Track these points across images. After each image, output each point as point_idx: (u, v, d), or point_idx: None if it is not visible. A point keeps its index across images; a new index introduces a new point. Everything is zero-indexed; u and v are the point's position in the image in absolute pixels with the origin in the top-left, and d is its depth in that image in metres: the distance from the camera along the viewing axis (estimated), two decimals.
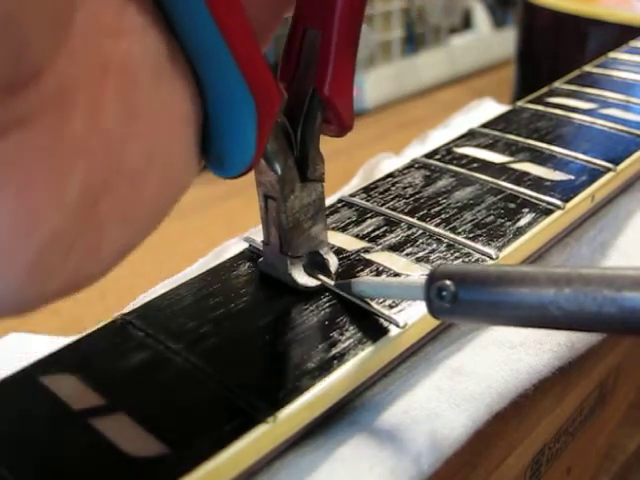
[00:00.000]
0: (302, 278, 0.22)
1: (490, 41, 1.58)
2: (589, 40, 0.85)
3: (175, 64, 0.15)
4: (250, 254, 0.25)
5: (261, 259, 0.23)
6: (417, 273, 0.24)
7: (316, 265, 0.23)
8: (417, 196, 0.28)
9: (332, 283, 0.22)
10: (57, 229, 0.13)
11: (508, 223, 0.27)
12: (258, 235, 0.25)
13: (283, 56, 0.21)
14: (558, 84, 0.42)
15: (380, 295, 0.22)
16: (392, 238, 0.26)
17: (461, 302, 0.17)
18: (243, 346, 0.20)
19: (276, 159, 0.21)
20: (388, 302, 0.22)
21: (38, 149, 0.12)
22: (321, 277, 0.22)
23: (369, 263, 0.24)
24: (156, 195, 0.15)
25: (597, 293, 0.15)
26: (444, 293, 0.17)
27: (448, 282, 0.17)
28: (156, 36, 0.14)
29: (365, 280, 0.22)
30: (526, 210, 0.27)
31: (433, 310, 0.18)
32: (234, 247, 0.28)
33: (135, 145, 0.14)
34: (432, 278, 0.18)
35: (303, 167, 0.21)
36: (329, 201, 0.27)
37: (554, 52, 0.91)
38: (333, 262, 0.23)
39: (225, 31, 0.14)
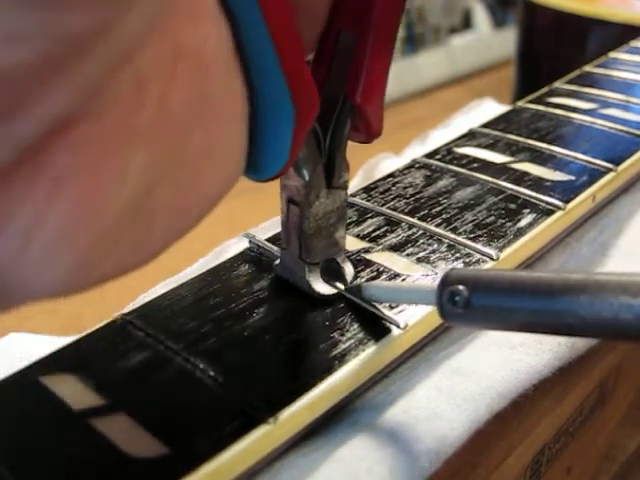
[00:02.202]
0: (319, 285, 0.22)
1: (490, 41, 1.57)
2: (589, 40, 0.85)
3: (237, 61, 0.15)
4: (250, 253, 0.25)
5: (277, 262, 0.23)
6: (418, 273, 0.24)
7: (332, 272, 0.22)
8: (417, 196, 0.28)
9: (342, 287, 0.22)
10: (115, 215, 0.13)
11: (509, 223, 0.27)
12: (258, 235, 0.25)
13: (314, 59, 0.20)
14: (558, 84, 0.42)
15: (391, 300, 0.22)
16: (392, 238, 0.26)
17: (474, 307, 0.17)
18: (243, 346, 0.20)
19: (305, 165, 0.20)
20: (389, 303, 0.22)
21: (106, 138, 0.12)
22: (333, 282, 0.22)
23: (369, 263, 0.24)
24: (208, 188, 0.15)
25: (613, 299, 0.15)
26: (457, 298, 0.17)
27: (461, 287, 0.17)
28: (227, 29, 0.14)
29: (376, 284, 0.22)
30: (527, 210, 0.27)
31: (445, 315, 0.18)
32: (234, 247, 0.28)
33: (198, 136, 0.14)
34: (444, 283, 0.17)
35: (329, 174, 0.21)
36: None
37: (554, 52, 0.91)
38: (349, 270, 0.23)
39: (275, 35, 0.14)
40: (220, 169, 0.15)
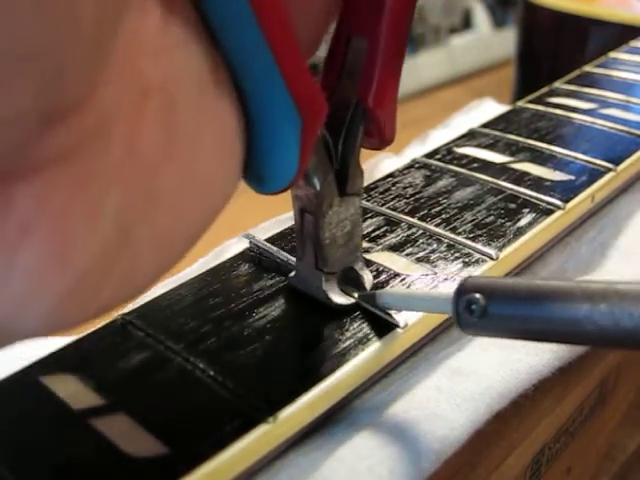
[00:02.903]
0: (336, 296, 0.21)
1: (490, 41, 1.58)
2: (589, 40, 0.85)
3: (219, 78, 0.14)
4: (250, 253, 0.25)
5: (292, 274, 0.23)
6: (418, 273, 0.24)
7: (350, 281, 0.22)
8: (417, 196, 0.28)
9: (355, 295, 0.22)
10: (91, 260, 0.12)
11: (508, 223, 0.27)
12: (257, 235, 0.25)
13: (325, 64, 0.19)
14: (558, 84, 0.42)
15: (405, 308, 0.21)
16: (392, 238, 0.26)
17: (491, 316, 0.17)
18: (243, 346, 0.20)
19: (315, 174, 0.20)
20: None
21: (73, 183, 0.12)
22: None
23: (369, 263, 0.24)
24: (192, 218, 0.14)
25: (633, 309, 0.14)
26: (473, 307, 0.17)
27: (478, 295, 0.17)
28: (199, 51, 0.13)
29: (390, 292, 0.21)
30: (526, 210, 0.27)
31: (461, 324, 0.17)
32: (234, 247, 0.28)
33: (173, 170, 0.13)
34: (461, 291, 0.17)
35: (342, 181, 0.20)
36: None
37: (554, 52, 0.91)
38: (368, 278, 0.22)
39: (272, 42, 0.14)
40: (203, 197, 0.14)
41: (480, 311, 0.17)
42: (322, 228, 0.21)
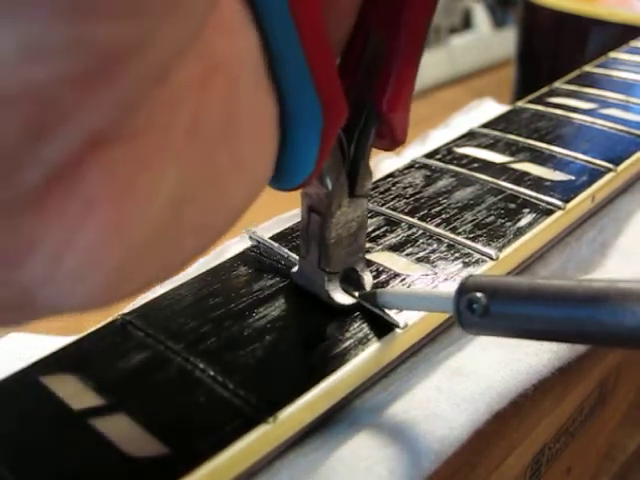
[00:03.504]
0: (338, 295, 0.21)
1: (490, 41, 1.57)
2: (589, 40, 0.85)
3: (268, 72, 0.14)
4: (250, 253, 0.25)
5: (295, 269, 0.23)
6: (418, 273, 0.24)
7: (350, 282, 0.22)
8: (417, 196, 0.28)
9: (356, 294, 0.22)
10: (145, 236, 0.12)
11: (508, 223, 0.27)
12: (259, 233, 0.25)
13: (341, 63, 0.19)
14: (558, 84, 0.42)
15: (406, 307, 0.21)
16: (392, 238, 0.26)
17: (492, 315, 0.17)
18: (243, 346, 0.20)
19: (328, 174, 0.20)
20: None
21: (138, 159, 0.12)
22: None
23: (369, 263, 0.24)
24: (236, 202, 0.14)
25: (636, 307, 0.14)
26: (475, 306, 0.17)
27: (479, 294, 0.17)
28: (256, 35, 0.14)
29: (391, 291, 0.21)
30: (526, 210, 0.27)
31: (463, 323, 0.17)
32: (234, 247, 0.28)
33: (227, 152, 0.13)
34: (462, 290, 0.17)
35: (352, 182, 0.20)
36: None
37: (554, 52, 0.91)
38: (368, 280, 0.22)
39: (306, 44, 0.14)
40: (248, 182, 0.15)
41: (481, 310, 0.17)
42: (329, 228, 0.21)
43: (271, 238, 0.25)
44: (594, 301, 0.15)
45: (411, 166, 0.31)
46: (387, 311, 0.21)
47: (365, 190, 0.21)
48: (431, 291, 0.22)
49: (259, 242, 0.25)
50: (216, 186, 0.14)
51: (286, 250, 0.24)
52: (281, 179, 0.16)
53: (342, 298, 0.22)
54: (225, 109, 0.13)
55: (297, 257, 0.23)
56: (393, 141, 0.20)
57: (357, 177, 0.20)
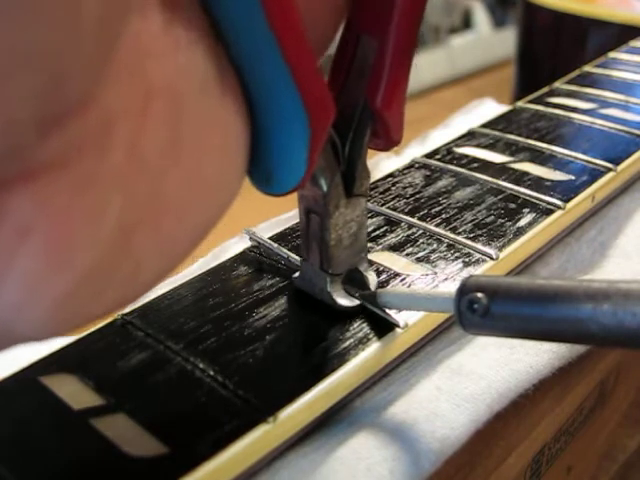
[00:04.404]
0: (341, 298, 0.21)
1: (490, 41, 1.57)
2: (589, 40, 0.85)
3: (225, 79, 0.14)
4: (250, 253, 0.25)
5: (296, 274, 0.22)
6: (418, 273, 0.24)
7: (354, 283, 0.22)
8: (417, 196, 0.28)
9: (357, 294, 0.21)
10: (91, 265, 0.12)
11: (508, 223, 0.27)
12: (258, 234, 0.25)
13: (333, 62, 0.19)
14: (558, 84, 0.42)
15: (407, 307, 0.21)
16: (392, 238, 0.26)
17: (493, 315, 0.17)
18: (243, 346, 0.20)
19: (322, 175, 0.19)
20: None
21: (73, 186, 0.11)
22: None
23: (369, 263, 0.24)
24: (196, 221, 0.14)
25: (637, 308, 0.14)
26: (476, 306, 0.17)
27: (480, 295, 0.17)
28: (204, 51, 0.13)
29: (391, 291, 0.21)
30: (526, 210, 0.27)
31: (464, 323, 0.17)
32: (234, 247, 0.28)
33: (178, 174, 0.13)
34: (463, 290, 0.17)
35: (349, 182, 0.20)
36: None
37: (554, 52, 0.91)
38: (372, 280, 0.22)
39: (281, 41, 0.13)
40: (208, 201, 0.14)
41: (483, 310, 0.17)
42: (328, 229, 0.20)
43: (270, 239, 0.25)
44: (595, 301, 0.15)
45: (411, 166, 0.31)
46: (387, 311, 0.21)
47: (363, 190, 0.20)
48: (432, 291, 0.22)
49: (259, 242, 0.25)
50: (170, 208, 0.13)
51: (286, 250, 0.24)
52: (271, 185, 0.16)
53: (345, 301, 0.21)
54: (170, 131, 0.13)
55: (297, 257, 0.23)
56: (388, 140, 0.20)
57: (354, 177, 0.20)
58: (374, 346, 0.20)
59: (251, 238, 0.25)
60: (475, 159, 0.32)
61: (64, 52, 0.10)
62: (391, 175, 0.30)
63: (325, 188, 0.20)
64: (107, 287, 0.13)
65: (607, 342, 0.16)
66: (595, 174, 0.30)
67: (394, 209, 0.27)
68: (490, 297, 0.17)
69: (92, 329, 0.21)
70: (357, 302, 0.21)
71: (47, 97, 0.10)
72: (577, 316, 0.15)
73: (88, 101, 0.11)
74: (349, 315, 0.21)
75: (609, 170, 0.31)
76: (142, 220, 0.13)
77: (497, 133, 0.34)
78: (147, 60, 0.12)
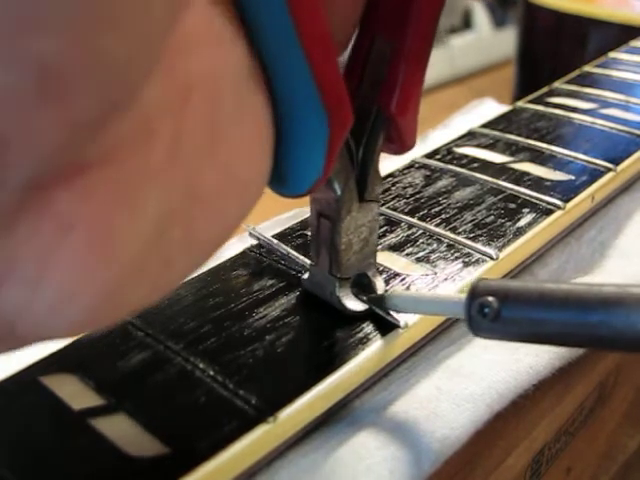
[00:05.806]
0: (349, 302, 0.21)
1: (490, 41, 1.57)
2: (589, 40, 0.85)
3: (256, 77, 0.14)
4: (250, 253, 0.25)
5: (306, 276, 0.22)
6: (417, 273, 0.24)
7: (362, 287, 0.22)
8: (417, 196, 0.28)
9: (364, 298, 0.21)
10: (130, 259, 0.12)
11: (508, 223, 0.27)
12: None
13: (347, 64, 0.19)
14: (558, 84, 0.42)
15: (415, 310, 0.21)
16: (392, 238, 0.26)
17: (504, 320, 0.16)
18: (243, 346, 0.20)
19: (337, 179, 0.19)
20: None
21: (115, 184, 0.11)
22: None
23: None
24: (227, 219, 0.14)
25: None
26: (486, 310, 0.17)
27: (491, 299, 0.17)
28: (242, 47, 0.13)
29: (400, 294, 0.21)
30: (526, 210, 0.27)
31: (474, 328, 0.17)
32: (234, 247, 0.28)
33: (213, 170, 0.13)
34: (473, 294, 0.17)
35: (362, 187, 0.20)
36: None
37: (554, 52, 0.91)
38: (380, 285, 0.22)
39: (305, 42, 0.13)
40: (238, 197, 0.14)
41: (493, 314, 0.16)
42: (339, 233, 0.20)
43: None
44: (607, 306, 0.15)
45: (411, 166, 0.31)
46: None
47: (375, 194, 0.20)
48: (441, 295, 0.22)
49: (260, 240, 0.25)
50: (204, 203, 0.13)
51: (285, 247, 0.24)
52: (288, 185, 0.16)
53: (354, 304, 0.21)
54: (208, 126, 0.13)
55: (297, 255, 0.23)
56: (402, 145, 0.20)
57: (366, 182, 0.20)
58: (374, 346, 0.20)
59: (251, 234, 0.25)
60: (475, 159, 0.32)
61: (120, 46, 0.10)
62: (391, 175, 0.30)
63: (339, 192, 0.19)
64: (140, 282, 0.13)
65: (619, 346, 0.16)
66: (595, 174, 0.30)
67: (394, 209, 0.27)
68: (501, 301, 0.16)
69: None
70: (366, 306, 0.21)
71: (112, 92, 0.10)
72: (588, 320, 0.15)
73: (137, 96, 0.11)
74: (350, 316, 0.21)
75: (609, 170, 0.31)
76: (178, 217, 0.13)
77: (497, 133, 0.34)
78: (190, 53, 0.12)
